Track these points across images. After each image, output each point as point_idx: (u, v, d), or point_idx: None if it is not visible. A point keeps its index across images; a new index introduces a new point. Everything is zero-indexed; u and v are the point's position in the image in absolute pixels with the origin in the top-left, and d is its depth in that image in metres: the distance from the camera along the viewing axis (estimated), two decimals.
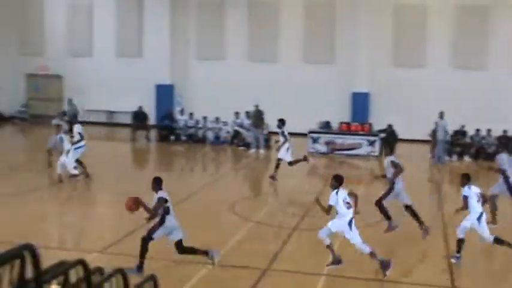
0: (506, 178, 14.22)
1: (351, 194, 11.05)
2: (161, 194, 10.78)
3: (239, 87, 28.94)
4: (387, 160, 13.43)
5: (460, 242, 11.59)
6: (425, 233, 13.00)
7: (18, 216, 14.64)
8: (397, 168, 13.01)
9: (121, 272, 5.66)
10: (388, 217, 13.20)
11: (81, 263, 4.99)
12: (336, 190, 10.91)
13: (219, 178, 20.43)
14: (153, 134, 27.50)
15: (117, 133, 29.49)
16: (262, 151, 24.52)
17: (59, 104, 31.82)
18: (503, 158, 14.53)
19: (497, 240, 11.70)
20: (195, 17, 29.81)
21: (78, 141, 18.14)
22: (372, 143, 24.37)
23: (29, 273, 4.59)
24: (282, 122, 19.31)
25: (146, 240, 10.71)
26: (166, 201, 10.75)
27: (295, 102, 28.37)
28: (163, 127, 27.58)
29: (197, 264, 11.06)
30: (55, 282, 5.15)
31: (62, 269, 4.89)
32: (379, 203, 13.08)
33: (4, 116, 31.60)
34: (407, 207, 13.17)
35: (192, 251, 10.95)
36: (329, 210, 10.87)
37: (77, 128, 18.46)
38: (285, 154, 18.81)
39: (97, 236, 13.48)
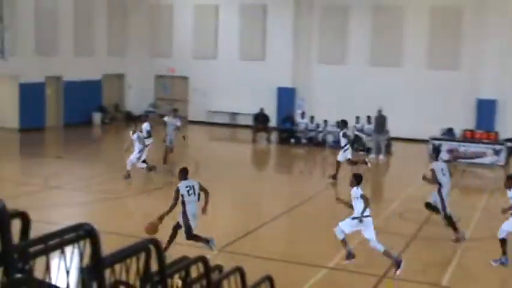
0: None
1: (363, 196, 11.19)
2: (180, 184, 11.79)
3: (360, 91, 28.69)
4: None
5: (502, 242, 11.50)
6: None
7: (143, 212, 15.33)
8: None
9: (239, 270, 5.83)
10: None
11: (202, 259, 5.19)
12: (356, 186, 11.26)
13: (338, 182, 20.37)
14: (274, 136, 27.83)
15: (239, 134, 30.09)
16: (382, 157, 24.19)
17: (184, 104, 32.91)
18: None
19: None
20: (319, 20, 29.85)
21: (147, 138, 19.26)
22: (497, 152, 23.40)
23: (153, 266, 4.85)
24: (344, 124, 19.53)
25: (175, 227, 11.86)
26: (178, 191, 11.67)
27: (417, 108, 27.77)
28: (284, 130, 27.83)
29: (313, 267, 11.12)
30: (177, 277, 5.39)
31: (183, 264, 5.11)
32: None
33: (133, 114, 33.08)
34: None
35: (197, 238, 11.83)
36: (367, 201, 11.07)
37: (146, 125, 19.71)
38: (342, 155, 19.16)
39: (216, 235, 13.84)
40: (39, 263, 4.01)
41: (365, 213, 11.01)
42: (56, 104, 29.39)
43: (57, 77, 29.49)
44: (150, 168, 18.76)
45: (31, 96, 27.20)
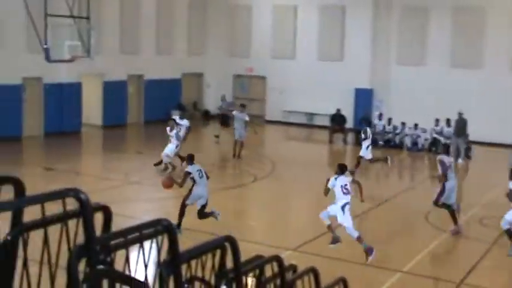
0: None
1: (355, 182, 12.18)
2: (188, 168, 13.33)
3: (439, 93, 28.08)
4: None
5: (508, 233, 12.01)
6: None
7: (220, 209, 15.53)
8: None
9: (313, 271, 5.84)
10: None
11: (277, 259, 5.24)
12: (335, 176, 12.07)
13: (415, 185, 20.04)
14: (351, 137, 27.61)
15: (315, 135, 30.03)
16: (461, 161, 23.61)
17: (262, 103, 33.12)
18: None
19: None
20: (398, 21, 29.42)
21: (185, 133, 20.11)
22: None
23: (229, 263, 4.93)
24: (367, 122, 20.32)
25: (182, 205, 13.11)
26: (189, 173, 13.17)
27: (498, 111, 26.94)
28: (361, 131, 27.53)
29: (387, 270, 11.00)
30: (251, 275, 5.46)
31: (258, 263, 5.18)
32: None
33: (210, 113, 33.54)
34: None
35: (207, 215, 13.23)
36: (326, 192, 12.13)
37: (185, 122, 20.50)
38: (365, 152, 19.21)
39: (291, 234, 13.89)
40: (119, 256, 4.16)
41: (345, 200, 11.86)
42: (137, 102, 30.17)
43: (138, 75, 30.30)
44: (174, 166, 18.99)
45: (114, 94, 28.05)
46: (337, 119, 27.99)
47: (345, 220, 11.74)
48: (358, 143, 26.99)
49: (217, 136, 25.95)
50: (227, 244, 4.71)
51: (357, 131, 27.77)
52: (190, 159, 13.62)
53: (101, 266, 3.61)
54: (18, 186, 3.62)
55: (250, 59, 33.10)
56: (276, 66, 32.14)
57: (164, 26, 31.16)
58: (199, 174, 13.29)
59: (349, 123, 28.65)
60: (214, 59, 33.88)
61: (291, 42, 32.00)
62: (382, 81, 29.69)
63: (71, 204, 3.43)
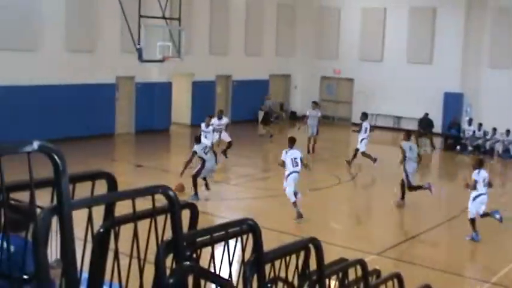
0: None
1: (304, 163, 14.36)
2: (195, 147, 15.74)
3: None
4: None
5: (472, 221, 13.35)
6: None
7: (304, 211, 15.53)
8: None
9: (397, 276, 5.77)
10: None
11: (361, 263, 5.21)
12: (285, 150, 14.09)
13: (504, 193, 19.37)
14: (438, 142, 26.97)
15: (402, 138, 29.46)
16: None
17: (349, 106, 32.88)
18: None
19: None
20: (491, 22, 28.50)
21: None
22: None
23: (312, 264, 4.94)
24: (365, 116, 21.50)
25: (194, 177, 15.56)
26: (195, 153, 15.69)
27: None
28: (450, 136, 26.90)
29: (475, 280, 10.70)
30: (334, 278, 5.45)
31: (342, 266, 5.17)
32: None
33: (296, 114, 33.57)
34: None
35: (194, 183, 15.54)
36: (282, 164, 14.21)
37: (225, 120, 21.67)
38: (360, 145, 20.87)
39: (375, 238, 13.73)
40: (204, 253, 4.25)
41: (293, 170, 13.91)
42: (224, 102, 30.58)
43: (227, 76, 30.72)
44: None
45: (202, 94, 28.55)
46: (424, 124, 27.39)
47: (286, 186, 14.05)
48: (446, 148, 26.39)
49: (261, 135, 26.82)
50: (311, 246, 4.73)
51: (445, 136, 27.13)
52: (196, 139, 16.06)
53: (187, 262, 3.71)
54: (111, 182, 3.77)
55: (337, 61, 32.93)
56: (364, 68, 31.83)
57: (253, 27, 31.46)
58: (204, 151, 15.71)
59: (437, 128, 27.99)
60: (302, 60, 33.92)
61: (379, 45, 31.60)
62: (473, 85, 28.83)
63: (159, 200, 3.54)
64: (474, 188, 13.29)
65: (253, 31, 31.54)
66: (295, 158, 13.98)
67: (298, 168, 14.02)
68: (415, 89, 29.88)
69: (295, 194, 14.12)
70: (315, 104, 25.33)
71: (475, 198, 13.40)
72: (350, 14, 32.41)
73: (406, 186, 16.20)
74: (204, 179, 16.06)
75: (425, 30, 30.11)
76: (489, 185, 13.56)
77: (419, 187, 16.24)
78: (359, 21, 32.15)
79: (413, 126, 28.17)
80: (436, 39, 29.87)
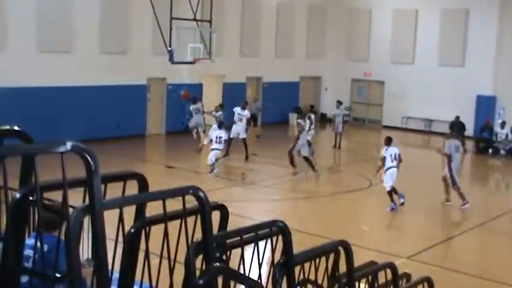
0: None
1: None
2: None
3: None
4: None
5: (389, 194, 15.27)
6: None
7: (334, 214, 15.51)
8: None
9: (428, 281, 5.72)
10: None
11: (391, 266, 5.17)
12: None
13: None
14: (470, 145, 26.65)
15: (433, 142, 29.24)
16: None
17: (379, 108, 32.67)
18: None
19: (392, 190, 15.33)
20: None
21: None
22: None
23: (342, 267, 4.92)
24: (299, 111, 21.60)
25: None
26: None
27: None
28: (482, 139, 26.56)
29: (506, 285, 10.55)
30: (364, 281, 5.42)
31: (372, 269, 5.14)
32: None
33: (327, 117, 33.46)
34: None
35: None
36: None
37: (246, 112, 21.97)
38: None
39: (405, 242, 13.63)
40: (234, 254, 4.26)
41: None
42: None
43: (257, 78, 30.76)
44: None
45: (233, 95, 28.58)
46: (456, 127, 27.04)
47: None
48: (478, 152, 26.07)
49: (258, 136, 26.89)
50: (341, 248, 4.72)
51: (477, 139, 26.78)
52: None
53: (217, 264, 3.72)
54: (142, 182, 3.80)
55: (368, 63, 32.75)
56: (395, 71, 31.61)
57: (283, 29, 31.46)
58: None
59: (469, 131, 27.66)
60: (333, 62, 33.81)
61: (410, 47, 31.35)
62: (506, 87, 28.43)
63: (190, 201, 3.56)
64: (383, 163, 15.44)
65: (284, 33, 31.53)
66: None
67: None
68: (447, 92, 29.57)
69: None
70: (339, 103, 26.43)
71: (386, 171, 15.39)
72: (381, 16, 32.21)
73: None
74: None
75: (458, 31, 29.78)
76: (399, 159, 15.54)
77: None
78: (390, 23, 31.94)
79: (445, 129, 27.87)
80: (469, 41, 29.53)
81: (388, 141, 15.72)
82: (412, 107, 30.99)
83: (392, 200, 15.36)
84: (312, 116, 23.28)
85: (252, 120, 25.77)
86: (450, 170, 16.11)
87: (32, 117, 20.08)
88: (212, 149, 18.90)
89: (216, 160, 18.88)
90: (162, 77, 25.86)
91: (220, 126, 19.25)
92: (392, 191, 15.38)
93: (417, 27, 31.16)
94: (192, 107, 22.69)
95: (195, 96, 23.56)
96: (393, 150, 15.54)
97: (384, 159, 15.41)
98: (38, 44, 21.41)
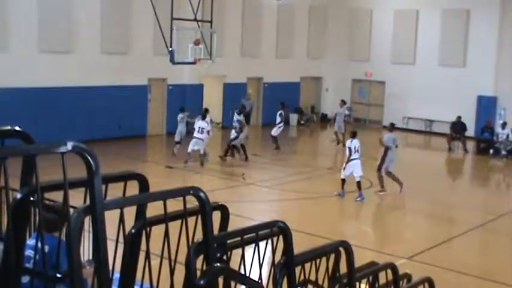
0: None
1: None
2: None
3: None
4: None
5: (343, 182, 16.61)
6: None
7: (335, 214, 15.50)
8: None
9: (429, 281, 5.73)
10: None
11: (391, 267, 5.17)
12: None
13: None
14: (471, 145, 26.64)
15: (434, 142, 29.26)
16: None
17: (380, 109, 32.66)
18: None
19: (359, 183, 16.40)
20: None
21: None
22: None
23: (342, 267, 4.92)
24: (282, 105, 23.87)
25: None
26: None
27: None
28: (483, 140, 26.54)
29: (505, 285, 10.54)
30: (364, 281, 5.42)
31: (372, 270, 5.13)
32: None
33: (328, 117, 33.45)
34: None
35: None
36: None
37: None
38: (274, 130, 23.83)
39: (406, 242, 13.62)
40: (234, 254, 4.26)
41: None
42: (255, 104, 30.60)
43: (258, 78, 30.75)
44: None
45: (234, 96, 28.59)
46: (457, 127, 27.06)
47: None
48: (479, 152, 26.06)
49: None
50: (342, 249, 4.72)
51: (478, 140, 26.77)
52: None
53: (218, 264, 3.72)
54: (143, 183, 3.80)
55: (369, 64, 32.73)
56: (396, 71, 31.59)
57: (284, 29, 31.45)
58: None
59: (470, 132, 27.64)
60: (333, 63, 33.79)
61: (411, 47, 31.33)
62: (507, 88, 28.41)
63: (190, 202, 3.56)
64: (350, 154, 16.44)
65: (285, 33, 31.53)
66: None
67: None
68: (448, 92, 29.55)
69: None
70: (343, 102, 27.33)
71: (348, 162, 16.49)
72: (382, 16, 32.20)
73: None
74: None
75: (459, 32, 29.77)
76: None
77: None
78: (391, 23, 31.92)
79: (446, 129, 27.91)
80: (470, 41, 29.51)
81: (353, 135, 16.97)
82: (413, 107, 30.97)
83: (342, 188, 16.56)
84: (283, 113, 24.48)
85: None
86: (382, 158, 17.48)
87: (33, 117, 20.12)
88: (193, 137, 19.83)
89: (205, 154, 20.03)
90: (162, 78, 25.86)
91: (204, 118, 20.26)
92: (356, 184, 16.47)
93: (418, 28, 31.15)
94: (178, 116, 22.35)
95: (182, 106, 23.38)
96: (356, 143, 16.61)
97: (349, 149, 16.49)
98: (39, 45, 21.42)
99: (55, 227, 4.51)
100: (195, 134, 19.98)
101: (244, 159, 21.35)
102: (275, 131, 23.99)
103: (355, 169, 16.55)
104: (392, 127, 19.00)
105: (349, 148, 16.57)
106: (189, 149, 19.91)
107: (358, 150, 16.63)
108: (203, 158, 20.24)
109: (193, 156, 20.09)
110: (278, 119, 24.02)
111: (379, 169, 17.43)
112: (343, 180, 16.63)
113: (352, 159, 16.52)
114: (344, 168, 16.63)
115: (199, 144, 19.86)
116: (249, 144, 23.60)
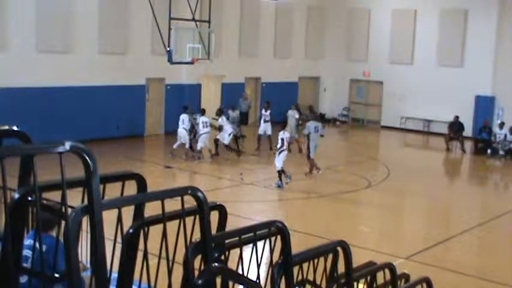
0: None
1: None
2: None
3: None
4: None
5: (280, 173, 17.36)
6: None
7: (333, 214, 15.50)
8: None
9: (426, 281, 5.73)
10: None
11: (389, 266, 5.18)
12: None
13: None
14: (469, 145, 26.67)
15: (432, 142, 29.29)
16: None
17: (379, 109, 32.67)
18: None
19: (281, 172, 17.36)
20: None
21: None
22: None
23: (340, 267, 4.92)
24: (221, 111, 22.38)
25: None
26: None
27: None
28: (480, 140, 26.57)
29: (506, 286, 10.55)
30: (362, 281, 5.43)
31: (370, 269, 5.14)
32: None
33: (326, 117, 33.49)
34: None
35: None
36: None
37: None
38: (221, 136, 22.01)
39: (404, 242, 13.64)
40: (232, 254, 4.26)
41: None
42: (253, 104, 30.59)
43: (256, 78, 30.76)
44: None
45: (232, 96, 28.59)
46: (455, 127, 27.08)
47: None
48: (476, 152, 26.08)
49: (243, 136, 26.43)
50: (339, 249, 4.72)
51: (476, 140, 26.79)
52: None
53: (215, 264, 3.72)
54: (141, 183, 3.80)
55: (367, 64, 32.74)
56: (394, 71, 31.61)
57: (282, 29, 31.46)
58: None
59: (468, 132, 27.67)
60: (331, 63, 33.80)
61: (409, 47, 31.35)
62: (505, 88, 28.44)
63: (188, 201, 3.56)
64: (282, 144, 17.46)
65: (283, 33, 31.54)
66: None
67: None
68: (446, 92, 29.58)
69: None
70: (297, 106, 27.09)
71: (279, 153, 17.45)
72: (380, 16, 32.22)
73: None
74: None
75: (457, 32, 29.79)
76: (290, 143, 18.36)
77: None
78: (389, 23, 31.93)
79: (444, 129, 27.94)
80: (468, 41, 29.53)
81: (283, 126, 18.49)
82: (411, 107, 30.99)
83: (280, 179, 17.35)
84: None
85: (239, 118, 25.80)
86: (307, 146, 19.13)
87: (31, 117, 20.10)
88: (202, 134, 20.51)
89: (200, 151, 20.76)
90: (161, 77, 25.85)
91: (203, 114, 20.96)
92: (282, 172, 17.39)
93: (416, 28, 31.16)
94: (182, 116, 21.60)
95: (185, 105, 23.00)
96: (287, 134, 17.90)
97: (282, 140, 17.58)
98: (37, 45, 21.40)
99: (50, 226, 4.51)
100: (202, 130, 20.57)
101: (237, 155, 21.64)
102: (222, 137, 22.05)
103: (284, 160, 17.50)
104: (314, 115, 21.36)
105: (282, 139, 17.56)
106: (199, 146, 20.66)
107: (289, 142, 18.03)
108: (200, 154, 20.80)
109: (200, 152, 20.37)
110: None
111: (308, 157, 19.06)
112: (280, 172, 17.38)
113: (284, 150, 17.52)
114: (277, 160, 17.52)
115: (207, 139, 20.74)
116: (247, 144, 23.63)
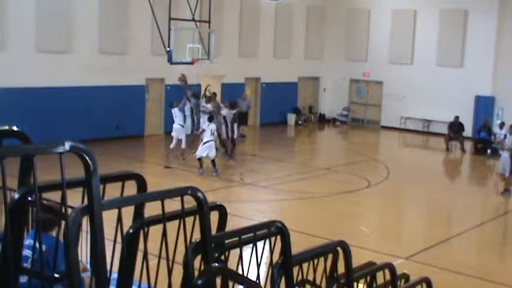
0: None
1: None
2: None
3: None
4: None
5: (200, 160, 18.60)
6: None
7: (332, 214, 15.50)
8: None
9: (426, 281, 5.73)
10: None
11: (389, 267, 5.18)
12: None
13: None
14: (469, 145, 26.67)
15: (432, 142, 29.29)
16: None
17: (378, 109, 32.67)
18: None
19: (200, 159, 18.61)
20: None
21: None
22: None
23: (340, 267, 4.92)
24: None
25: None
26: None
27: None
28: (480, 140, 26.56)
29: (504, 286, 10.55)
30: (362, 281, 5.43)
31: (370, 269, 5.14)
32: None
33: (326, 117, 33.49)
34: None
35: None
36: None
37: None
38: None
39: (404, 242, 13.64)
40: (232, 255, 4.26)
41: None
42: (253, 104, 30.60)
43: (256, 78, 30.75)
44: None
45: (232, 96, 28.58)
46: (454, 127, 27.08)
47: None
48: (476, 152, 26.07)
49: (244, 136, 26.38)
50: (339, 249, 4.73)
51: (475, 140, 26.78)
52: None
53: (215, 264, 3.72)
54: (141, 183, 3.80)
55: (367, 64, 32.73)
56: (394, 71, 31.60)
57: (282, 30, 31.46)
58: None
59: (468, 131, 27.67)
60: (331, 63, 33.79)
61: (409, 47, 31.34)
62: (506, 88, 28.45)
63: (188, 202, 3.56)
64: (202, 134, 18.63)
65: (282, 33, 31.53)
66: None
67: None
68: (446, 92, 29.58)
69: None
70: (229, 105, 23.64)
71: (204, 144, 18.39)
72: (380, 16, 32.21)
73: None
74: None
75: (457, 32, 29.79)
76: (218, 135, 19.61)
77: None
78: (389, 23, 31.93)
79: (444, 129, 27.94)
80: (468, 41, 29.53)
81: (210, 119, 19.18)
82: (411, 107, 31.00)
83: (201, 166, 18.62)
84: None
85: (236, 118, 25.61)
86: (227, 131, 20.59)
87: (31, 117, 20.11)
88: (207, 142, 18.58)
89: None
90: (160, 78, 25.85)
91: (210, 120, 19.53)
92: (211, 163, 18.62)
93: (416, 28, 31.16)
94: (173, 111, 21.23)
95: (194, 92, 22.16)
96: (213, 126, 18.73)
97: (203, 131, 18.65)
98: (37, 45, 21.40)
99: (50, 226, 4.51)
100: (208, 138, 18.67)
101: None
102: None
103: (210, 150, 18.42)
104: (233, 105, 22.08)
105: (205, 130, 18.60)
106: (199, 154, 18.73)
107: (213, 134, 18.72)
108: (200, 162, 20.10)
109: (200, 160, 19.55)
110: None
111: (232, 140, 20.84)
112: (200, 160, 18.55)
113: (208, 141, 18.42)
114: (199, 150, 18.51)
115: (213, 147, 18.83)
116: (247, 144, 23.64)
